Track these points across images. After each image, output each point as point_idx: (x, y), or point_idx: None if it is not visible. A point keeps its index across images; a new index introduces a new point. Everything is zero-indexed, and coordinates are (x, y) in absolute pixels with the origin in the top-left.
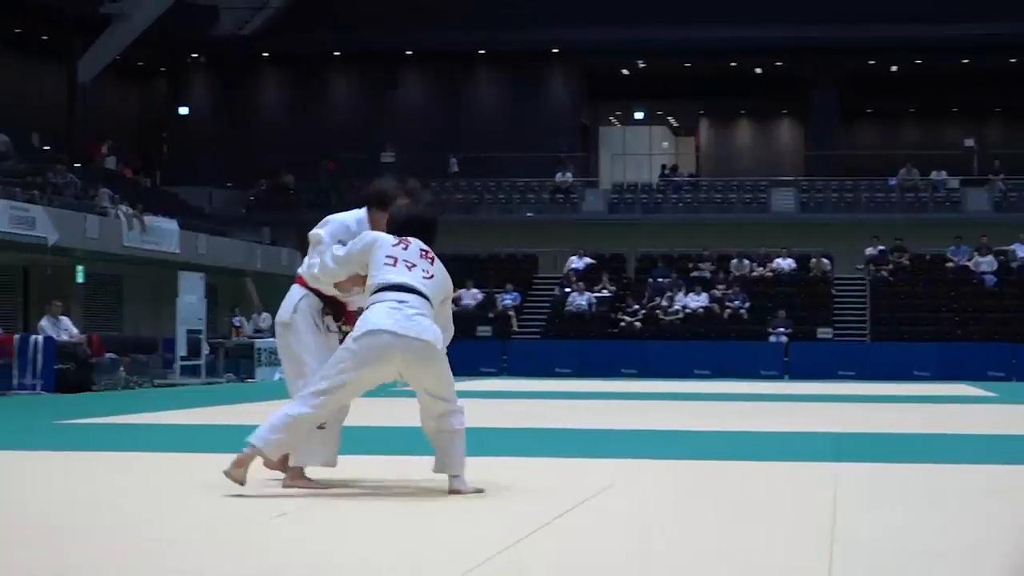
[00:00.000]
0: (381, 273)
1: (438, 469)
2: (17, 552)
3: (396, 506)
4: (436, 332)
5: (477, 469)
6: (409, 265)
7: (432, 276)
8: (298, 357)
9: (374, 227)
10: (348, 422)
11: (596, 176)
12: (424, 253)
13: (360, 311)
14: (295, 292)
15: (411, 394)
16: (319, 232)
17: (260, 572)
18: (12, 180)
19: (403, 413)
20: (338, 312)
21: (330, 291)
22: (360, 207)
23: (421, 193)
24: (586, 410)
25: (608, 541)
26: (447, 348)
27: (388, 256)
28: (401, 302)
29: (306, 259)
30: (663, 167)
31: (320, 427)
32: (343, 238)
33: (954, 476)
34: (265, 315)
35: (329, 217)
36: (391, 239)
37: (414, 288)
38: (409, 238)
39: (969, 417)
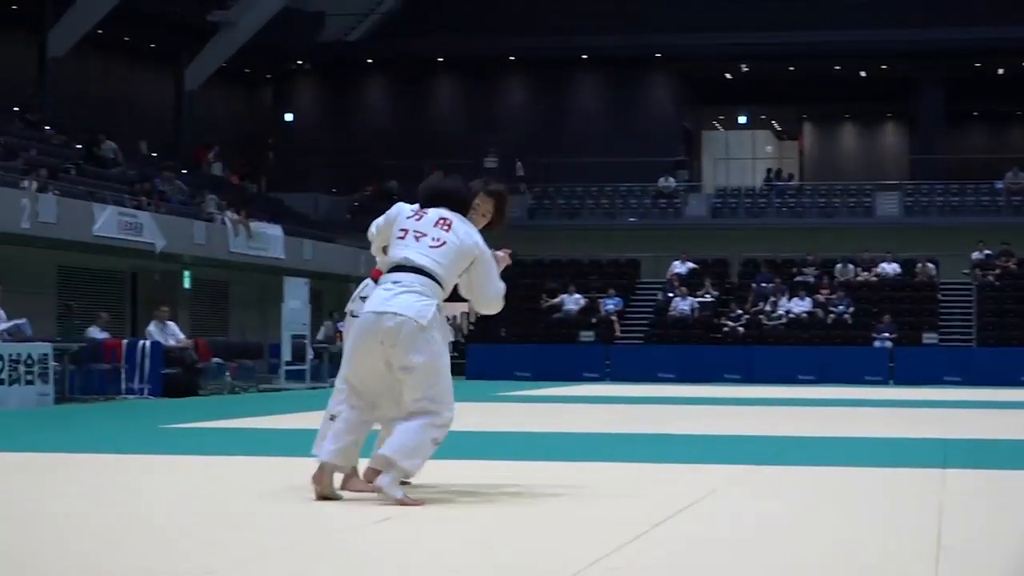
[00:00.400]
0: (392, 249)
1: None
2: (130, 556)
3: (488, 511)
4: (420, 308)
5: (578, 474)
6: (418, 235)
7: (443, 243)
8: (442, 372)
9: (482, 215)
10: None
11: (699, 181)
12: (441, 221)
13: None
14: (429, 293)
15: (486, 398)
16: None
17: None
18: (120, 187)
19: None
20: None
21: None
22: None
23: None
24: (688, 415)
25: (708, 548)
26: (505, 309)
27: (400, 229)
28: (395, 283)
29: (431, 253)
30: (768, 171)
31: (331, 418)
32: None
33: None
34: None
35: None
36: (408, 210)
37: (412, 264)
38: (429, 208)
39: None
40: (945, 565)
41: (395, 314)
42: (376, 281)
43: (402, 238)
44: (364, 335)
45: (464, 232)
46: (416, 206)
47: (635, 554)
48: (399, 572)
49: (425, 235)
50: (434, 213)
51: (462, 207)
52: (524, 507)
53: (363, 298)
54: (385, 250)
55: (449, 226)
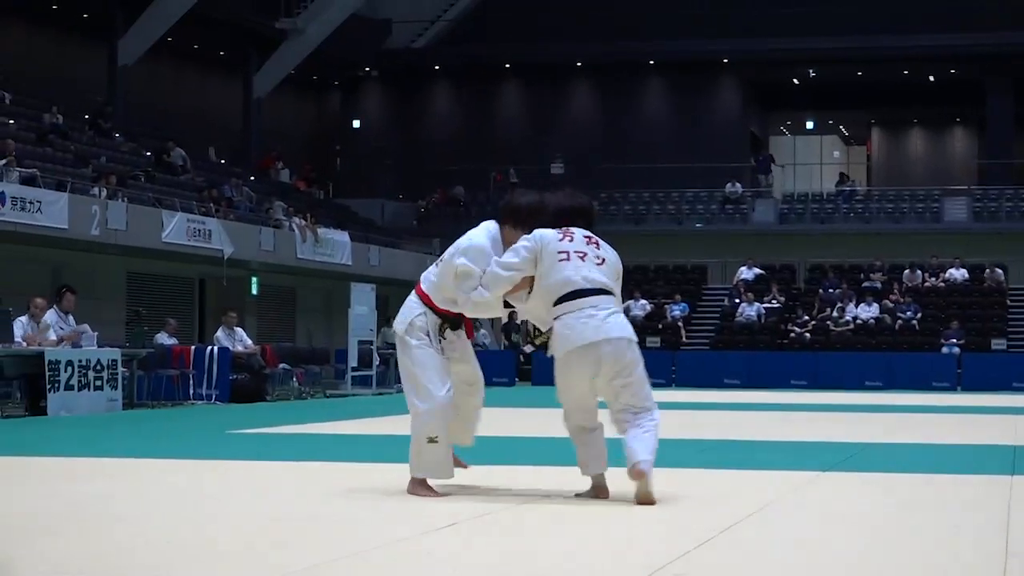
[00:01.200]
0: (556, 272)
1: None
2: (217, 564)
3: (558, 514)
4: (625, 325)
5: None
6: (581, 255)
7: (603, 260)
8: (411, 373)
9: (507, 244)
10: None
11: (767, 186)
12: (588, 239)
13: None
14: (413, 306)
15: (551, 404)
16: (469, 265)
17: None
18: (189, 194)
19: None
20: (456, 323)
21: (453, 308)
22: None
23: (563, 195)
24: (755, 421)
25: (773, 554)
26: None
27: (561, 252)
28: (593, 307)
29: (430, 271)
30: (841, 175)
31: (431, 440)
32: (484, 263)
33: None
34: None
35: (460, 245)
36: (553, 234)
37: (596, 285)
38: (570, 228)
39: None
40: (1012, 571)
41: (613, 339)
42: (424, 303)
43: (567, 260)
44: (580, 367)
45: (608, 248)
46: (556, 230)
47: (706, 556)
48: (456, 571)
49: (586, 254)
50: (580, 232)
51: (592, 223)
52: (577, 510)
53: (421, 328)
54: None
55: (598, 243)
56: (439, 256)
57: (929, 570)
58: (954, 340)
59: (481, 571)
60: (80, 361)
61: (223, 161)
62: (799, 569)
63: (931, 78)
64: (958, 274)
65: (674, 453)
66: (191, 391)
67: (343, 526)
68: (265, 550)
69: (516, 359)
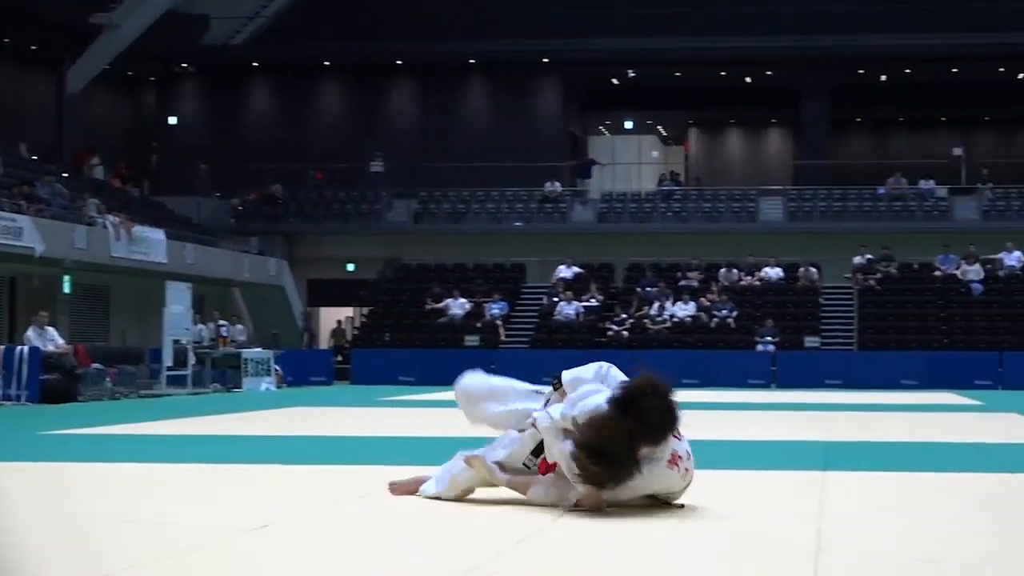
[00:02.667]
0: None
1: None
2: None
3: (373, 514)
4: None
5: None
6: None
7: None
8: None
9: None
10: None
11: (585, 185)
12: None
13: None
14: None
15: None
16: None
17: None
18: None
19: None
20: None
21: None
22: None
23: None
24: None
25: (586, 550)
26: None
27: None
28: None
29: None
30: (667, 174)
31: None
32: None
33: (942, 484)
34: (240, 327)
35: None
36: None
37: None
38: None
39: (956, 425)
40: (824, 566)
41: None
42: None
43: None
44: None
45: None
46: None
47: (521, 555)
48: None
49: None
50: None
51: None
52: (416, 508)
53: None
54: None
55: None
56: None
57: (744, 565)
58: (769, 338)
59: (296, 571)
60: None
61: (35, 157)
62: (619, 562)
63: (748, 80)
64: (773, 273)
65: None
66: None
67: (152, 528)
68: (57, 555)
69: (332, 358)
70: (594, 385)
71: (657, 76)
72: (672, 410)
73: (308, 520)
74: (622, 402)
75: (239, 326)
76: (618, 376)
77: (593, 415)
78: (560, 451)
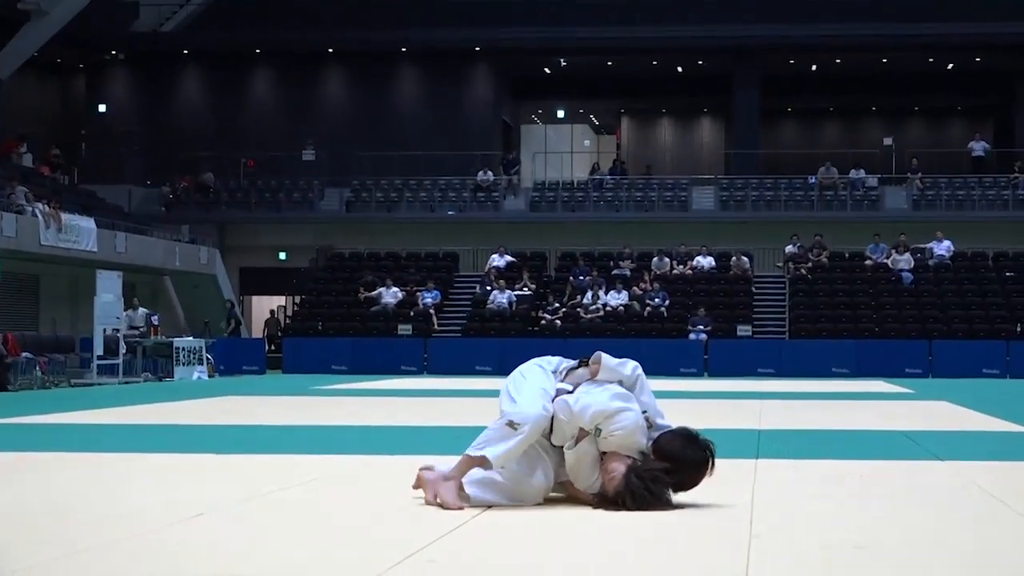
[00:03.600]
0: None
1: None
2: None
3: (311, 502)
4: None
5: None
6: None
7: None
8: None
9: None
10: None
11: (518, 174)
12: None
13: None
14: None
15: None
16: None
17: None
18: None
19: None
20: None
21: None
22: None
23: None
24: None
25: (516, 536)
26: None
27: None
28: None
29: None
30: (595, 166)
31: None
32: None
33: (872, 471)
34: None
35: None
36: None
37: None
38: None
39: (886, 413)
40: (756, 553)
41: None
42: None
43: None
44: None
45: None
46: None
47: (458, 541)
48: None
49: None
50: None
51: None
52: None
53: None
54: None
55: None
56: None
57: (673, 551)
58: (701, 327)
59: (226, 558)
60: None
61: None
62: (552, 550)
63: (679, 69)
64: (705, 262)
65: (431, 441)
66: None
67: (80, 517)
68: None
69: (265, 347)
70: (621, 397)
71: (589, 65)
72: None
73: (242, 508)
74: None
75: (141, 310)
76: (645, 383)
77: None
78: (581, 453)
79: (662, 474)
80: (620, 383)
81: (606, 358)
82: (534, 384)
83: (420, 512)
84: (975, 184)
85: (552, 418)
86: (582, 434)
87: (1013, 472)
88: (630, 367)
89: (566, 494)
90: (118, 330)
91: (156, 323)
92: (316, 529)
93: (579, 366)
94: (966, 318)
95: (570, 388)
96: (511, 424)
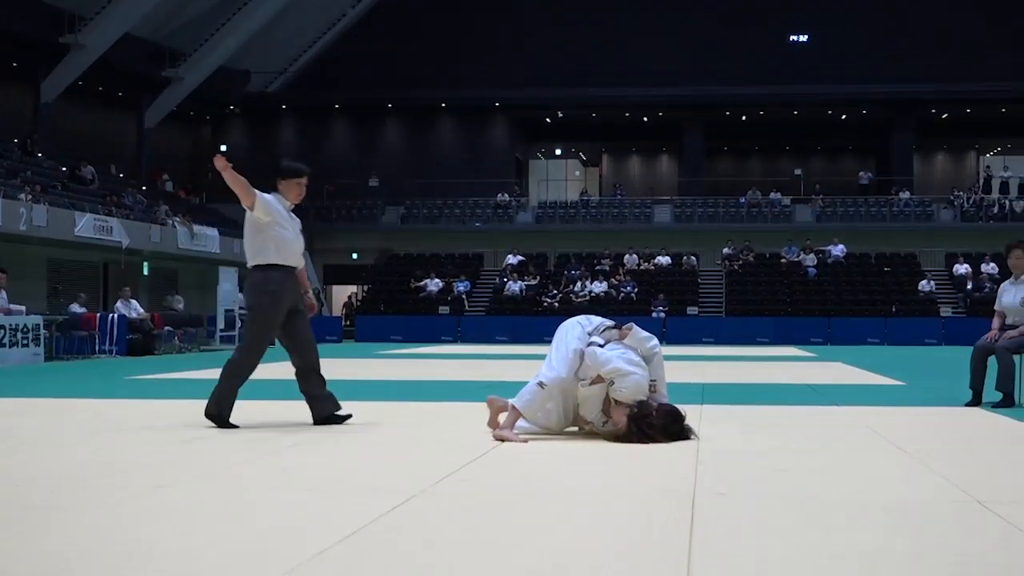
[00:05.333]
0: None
1: None
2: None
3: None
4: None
5: (430, 411)
6: None
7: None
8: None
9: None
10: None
11: (527, 196)
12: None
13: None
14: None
15: (370, 356)
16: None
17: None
18: (96, 200)
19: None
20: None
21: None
22: None
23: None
24: (517, 367)
25: (527, 467)
26: None
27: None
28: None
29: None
30: (582, 192)
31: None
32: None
33: (787, 415)
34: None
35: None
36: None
37: None
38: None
39: (797, 371)
40: (701, 471)
41: None
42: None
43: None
44: None
45: None
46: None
47: (479, 469)
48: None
49: None
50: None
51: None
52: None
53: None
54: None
55: None
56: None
57: (635, 469)
58: (661, 308)
59: (324, 470)
60: (11, 325)
61: (122, 175)
62: (548, 470)
63: (645, 119)
64: (664, 260)
65: (462, 391)
66: (97, 347)
67: (208, 443)
68: (149, 467)
69: (342, 323)
70: (635, 363)
71: (579, 116)
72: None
73: (330, 438)
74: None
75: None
76: (661, 359)
77: (643, 412)
78: (592, 393)
79: (651, 428)
80: (638, 352)
81: (636, 329)
82: (569, 349)
83: (454, 443)
84: (862, 203)
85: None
86: (598, 379)
87: (891, 414)
88: (651, 343)
89: (587, 430)
90: (232, 310)
91: None
92: (379, 453)
93: (615, 327)
94: (855, 301)
95: (602, 342)
96: (541, 384)
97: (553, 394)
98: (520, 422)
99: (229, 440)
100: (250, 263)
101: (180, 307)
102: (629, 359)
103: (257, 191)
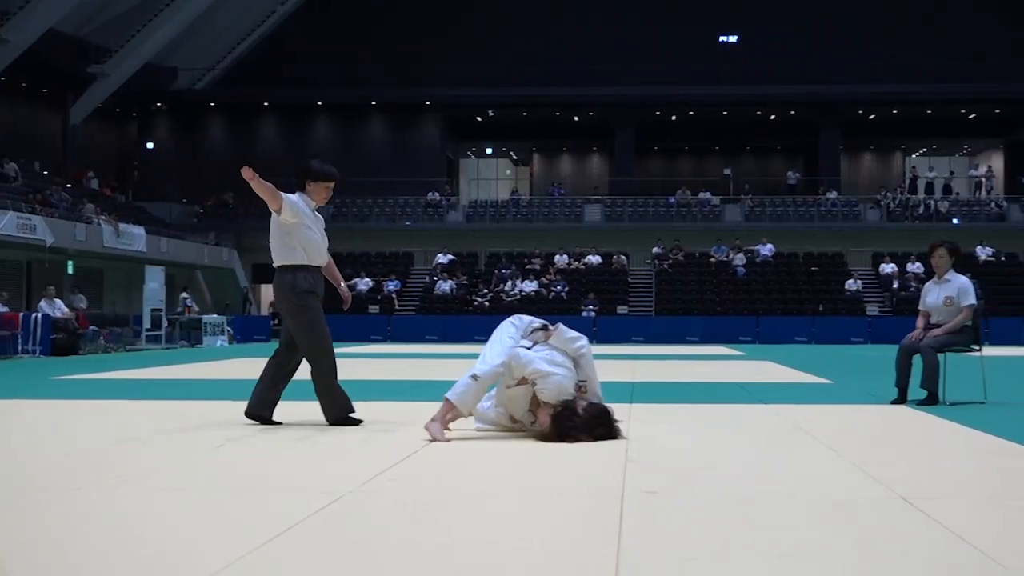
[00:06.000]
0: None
1: None
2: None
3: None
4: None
5: (366, 411)
6: None
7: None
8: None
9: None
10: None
11: (457, 195)
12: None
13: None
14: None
15: None
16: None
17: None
18: (19, 197)
19: None
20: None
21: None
22: None
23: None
24: (446, 367)
25: (459, 465)
26: None
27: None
28: None
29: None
30: (513, 191)
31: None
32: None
33: (715, 413)
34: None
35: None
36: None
37: None
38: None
39: (726, 370)
40: (632, 468)
41: None
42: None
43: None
44: None
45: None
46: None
47: (410, 467)
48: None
49: None
50: None
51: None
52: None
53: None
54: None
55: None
56: None
57: (567, 469)
58: (591, 307)
59: (250, 469)
60: None
61: (46, 172)
62: (485, 471)
63: (576, 118)
64: (594, 259)
65: (391, 390)
66: (20, 347)
67: (138, 445)
68: (85, 463)
69: (271, 321)
70: (557, 364)
71: (510, 115)
72: (611, 435)
73: (254, 439)
74: (589, 426)
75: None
76: (590, 359)
77: (566, 412)
78: (517, 393)
79: (573, 429)
80: (565, 353)
81: (563, 330)
82: (502, 345)
83: (383, 443)
84: (790, 203)
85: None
86: (523, 380)
87: (818, 412)
88: (578, 344)
89: (522, 429)
90: (160, 309)
91: (190, 304)
92: (309, 453)
93: (542, 329)
94: (783, 300)
95: (529, 345)
96: (474, 377)
97: (487, 387)
98: (476, 422)
99: (155, 441)
100: (277, 263)
101: (83, 306)
102: (552, 359)
103: (283, 194)
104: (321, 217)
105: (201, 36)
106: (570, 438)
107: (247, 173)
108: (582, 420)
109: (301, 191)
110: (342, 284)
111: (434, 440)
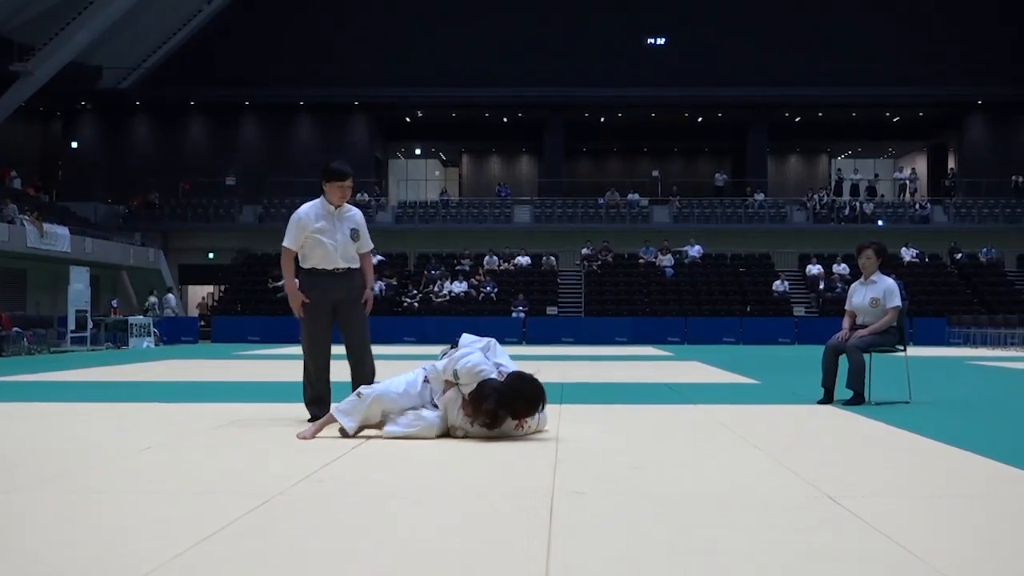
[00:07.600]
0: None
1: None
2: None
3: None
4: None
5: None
6: None
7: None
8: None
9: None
10: None
11: (386, 196)
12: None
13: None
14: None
15: (226, 356)
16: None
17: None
18: None
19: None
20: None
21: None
22: None
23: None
24: (378, 366)
25: (389, 465)
26: None
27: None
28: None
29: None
30: (442, 192)
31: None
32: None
33: (644, 412)
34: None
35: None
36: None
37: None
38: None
39: (654, 370)
40: (561, 470)
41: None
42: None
43: None
44: None
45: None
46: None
47: (339, 468)
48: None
49: None
50: None
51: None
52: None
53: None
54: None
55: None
56: None
57: (494, 470)
58: (521, 308)
59: (173, 476)
60: None
61: None
62: (406, 467)
63: (504, 120)
64: (524, 260)
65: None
66: None
67: (63, 450)
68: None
69: (198, 323)
70: (474, 350)
71: (439, 116)
72: (540, 393)
73: (178, 443)
74: (514, 388)
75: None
76: (501, 352)
77: (488, 387)
78: (447, 399)
79: (496, 411)
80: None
81: (465, 336)
82: (401, 377)
83: (311, 445)
84: (718, 204)
85: (425, 380)
86: (448, 385)
87: (745, 412)
88: (484, 341)
89: (461, 434)
90: (85, 310)
91: (115, 305)
92: (234, 456)
93: (452, 346)
94: (711, 301)
95: (439, 357)
96: (359, 395)
97: (372, 407)
98: (390, 426)
99: (78, 443)
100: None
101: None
102: (454, 357)
103: (285, 241)
104: (347, 217)
105: (127, 34)
106: (490, 415)
107: (294, 303)
108: (499, 394)
109: (323, 192)
110: (368, 288)
111: (303, 439)
